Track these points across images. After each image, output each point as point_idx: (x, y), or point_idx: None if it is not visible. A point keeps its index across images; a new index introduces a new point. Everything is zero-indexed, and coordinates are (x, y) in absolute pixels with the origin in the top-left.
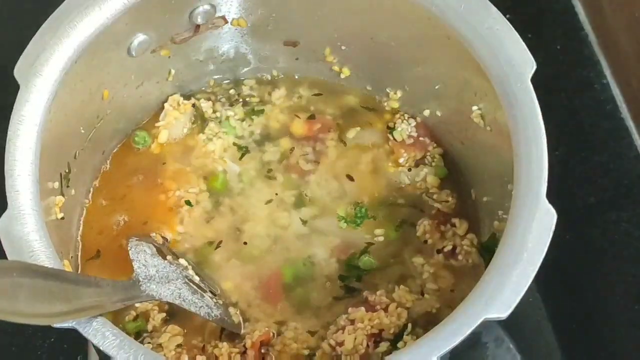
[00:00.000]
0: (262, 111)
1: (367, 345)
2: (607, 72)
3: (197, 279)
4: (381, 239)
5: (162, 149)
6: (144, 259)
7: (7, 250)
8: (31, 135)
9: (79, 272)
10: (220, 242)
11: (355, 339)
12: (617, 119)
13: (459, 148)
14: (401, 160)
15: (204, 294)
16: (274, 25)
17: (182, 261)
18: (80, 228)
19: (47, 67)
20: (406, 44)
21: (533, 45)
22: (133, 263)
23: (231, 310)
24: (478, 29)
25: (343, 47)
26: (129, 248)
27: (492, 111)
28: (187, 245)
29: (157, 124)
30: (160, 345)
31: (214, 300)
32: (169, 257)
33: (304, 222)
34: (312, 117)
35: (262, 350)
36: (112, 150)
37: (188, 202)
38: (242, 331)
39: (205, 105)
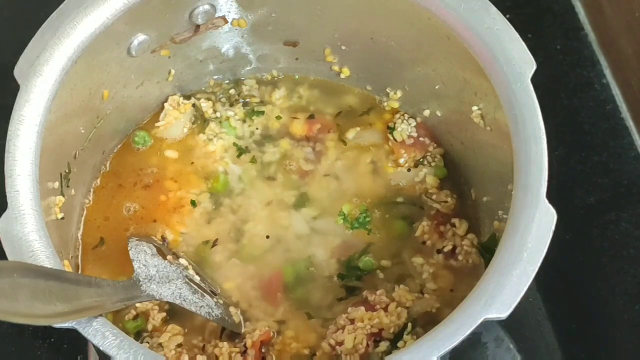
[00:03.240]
0: (262, 112)
1: (367, 345)
2: (607, 72)
3: (197, 278)
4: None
5: (162, 154)
6: (144, 259)
7: (7, 250)
8: (31, 135)
9: (80, 271)
10: (216, 240)
11: (355, 338)
12: (617, 119)
13: (459, 148)
14: (401, 161)
15: (204, 293)
16: (274, 25)
17: (182, 261)
18: (81, 228)
19: (47, 67)
20: (406, 44)
21: (533, 45)
22: (133, 263)
23: (232, 309)
24: (478, 29)
25: (343, 47)
26: (129, 248)
27: (492, 111)
28: (188, 245)
29: (157, 124)
30: (160, 344)
31: (214, 299)
32: (169, 257)
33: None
34: (311, 117)
35: (263, 350)
36: (112, 150)
37: (193, 203)
38: (243, 331)
39: (205, 105)
